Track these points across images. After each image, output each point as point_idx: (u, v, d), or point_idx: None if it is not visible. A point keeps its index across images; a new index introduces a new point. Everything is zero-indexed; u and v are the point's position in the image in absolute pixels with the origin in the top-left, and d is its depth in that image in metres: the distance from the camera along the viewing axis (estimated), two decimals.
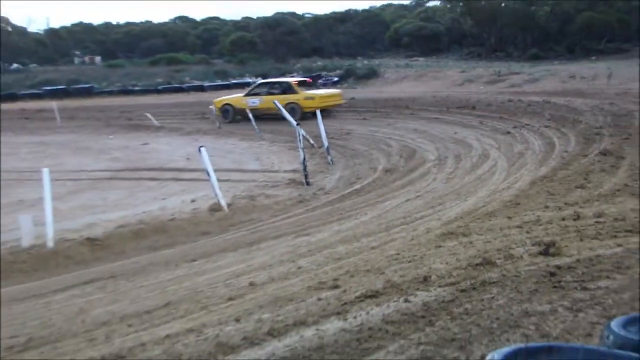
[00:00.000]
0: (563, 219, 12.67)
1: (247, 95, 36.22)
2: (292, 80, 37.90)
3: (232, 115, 35.82)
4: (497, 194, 15.65)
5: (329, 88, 45.13)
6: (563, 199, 14.50)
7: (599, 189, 15.14)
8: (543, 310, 8.17)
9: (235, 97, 36.86)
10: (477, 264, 10.01)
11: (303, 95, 34.59)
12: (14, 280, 11.77)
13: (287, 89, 35.30)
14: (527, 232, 11.95)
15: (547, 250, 10.37)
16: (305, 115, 31.52)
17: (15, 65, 77.49)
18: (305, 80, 39.17)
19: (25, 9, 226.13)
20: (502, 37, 66.27)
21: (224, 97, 37.56)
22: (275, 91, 35.16)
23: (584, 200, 14.20)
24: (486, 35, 68.04)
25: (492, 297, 8.69)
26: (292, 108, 31.47)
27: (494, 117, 29.24)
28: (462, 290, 8.94)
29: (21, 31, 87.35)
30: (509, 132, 24.64)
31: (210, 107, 36.67)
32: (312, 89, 38.21)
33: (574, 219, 12.54)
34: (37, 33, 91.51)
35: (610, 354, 5.05)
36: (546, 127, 25.54)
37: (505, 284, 9.15)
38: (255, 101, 34.95)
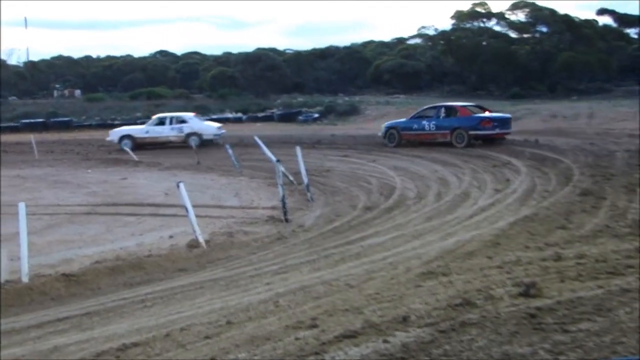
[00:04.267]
0: (544, 260, 12.68)
1: None
2: None
3: None
4: (477, 232, 15.63)
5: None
6: (544, 239, 14.50)
7: (580, 230, 15.17)
8: (523, 353, 8.13)
9: None
10: (456, 305, 9.98)
11: None
12: None
13: None
14: (507, 273, 11.96)
15: (528, 291, 10.34)
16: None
17: None
18: None
19: (5, 41, 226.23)
20: (483, 76, 66.67)
21: None
22: None
23: (564, 241, 14.21)
24: (467, 73, 68.52)
25: (472, 339, 8.65)
26: None
27: (474, 156, 29.32)
28: (442, 331, 8.89)
29: (0, 64, 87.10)
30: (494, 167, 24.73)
31: None
32: None
33: (555, 260, 12.55)
34: (16, 65, 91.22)
35: None
36: (527, 165, 25.64)
37: (485, 325, 9.11)
38: None
